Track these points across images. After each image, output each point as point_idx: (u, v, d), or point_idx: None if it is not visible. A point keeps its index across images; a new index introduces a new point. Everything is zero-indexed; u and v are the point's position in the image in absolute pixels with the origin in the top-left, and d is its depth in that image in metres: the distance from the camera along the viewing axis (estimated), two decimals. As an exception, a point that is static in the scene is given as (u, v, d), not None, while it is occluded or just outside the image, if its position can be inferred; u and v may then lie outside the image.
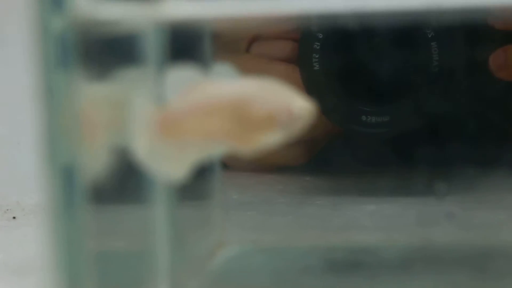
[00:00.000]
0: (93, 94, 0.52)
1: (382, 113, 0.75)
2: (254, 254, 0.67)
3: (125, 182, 0.56)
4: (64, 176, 0.46)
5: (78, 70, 0.47)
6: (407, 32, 0.73)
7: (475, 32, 0.73)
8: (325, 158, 0.84)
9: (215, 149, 0.55)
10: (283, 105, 0.54)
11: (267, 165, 0.89)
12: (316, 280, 0.63)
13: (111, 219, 0.53)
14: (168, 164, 0.54)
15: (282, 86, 0.56)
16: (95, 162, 0.52)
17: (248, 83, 0.55)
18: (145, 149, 0.53)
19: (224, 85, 0.54)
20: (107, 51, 0.53)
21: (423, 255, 0.63)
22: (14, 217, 0.97)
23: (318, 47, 0.76)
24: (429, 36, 0.71)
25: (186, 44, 0.66)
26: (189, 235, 0.65)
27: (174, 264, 0.62)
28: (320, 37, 0.76)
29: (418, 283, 0.62)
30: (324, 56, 0.76)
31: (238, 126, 0.53)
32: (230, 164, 0.88)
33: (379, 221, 0.69)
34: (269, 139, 0.53)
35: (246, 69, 0.58)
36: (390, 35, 0.74)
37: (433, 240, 0.64)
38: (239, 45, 0.86)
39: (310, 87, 0.77)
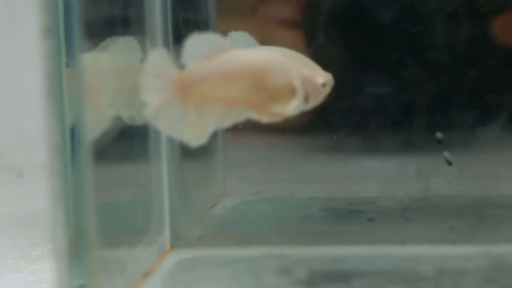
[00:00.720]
0: (98, 60, 0.52)
1: (385, 84, 0.76)
2: (256, 204, 0.68)
3: (132, 139, 0.57)
4: (70, 134, 0.47)
5: (84, 29, 0.47)
6: (410, 5, 0.73)
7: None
8: (326, 118, 0.84)
9: (235, 115, 0.55)
10: (306, 76, 0.54)
11: (268, 124, 0.89)
12: (316, 226, 0.64)
13: (118, 173, 0.54)
14: (186, 129, 0.54)
15: (303, 57, 0.57)
16: (100, 121, 0.53)
17: (269, 53, 0.55)
18: (160, 111, 0.54)
19: (246, 53, 0.54)
20: (111, 7, 0.53)
21: (422, 205, 0.64)
22: (20, 173, 0.98)
23: (324, 17, 0.76)
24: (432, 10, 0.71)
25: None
26: (194, 187, 0.66)
27: (178, 213, 0.63)
28: (327, 7, 0.76)
29: (414, 228, 0.63)
30: (329, 25, 0.76)
31: (258, 94, 0.54)
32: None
33: (378, 174, 0.70)
34: (290, 108, 0.54)
35: (252, 30, 0.58)
36: (395, 6, 0.74)
37: (432, 191, 0.65)
38: (246, 4, 0.86)
39: (314, 54, 0.77)
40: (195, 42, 0.53)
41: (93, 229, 0.47)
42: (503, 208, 0.64)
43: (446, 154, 0.63)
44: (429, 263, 0.57)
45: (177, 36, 0.62)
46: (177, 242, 0.62)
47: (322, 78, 0.55)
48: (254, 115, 0.55)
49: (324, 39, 0.75)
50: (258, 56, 0.55)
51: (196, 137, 0.54)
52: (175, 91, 0.53)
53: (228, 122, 0.55)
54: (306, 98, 0.55)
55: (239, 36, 0.57)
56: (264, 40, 0.58)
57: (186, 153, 0.63)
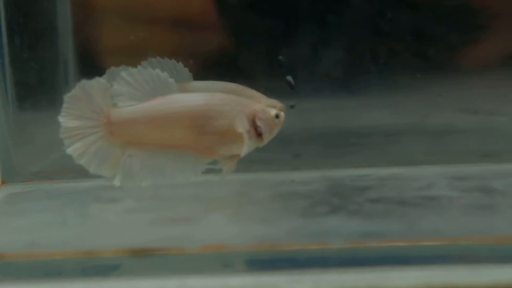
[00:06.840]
0: None
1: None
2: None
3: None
4: None
5: None
6: None
7: None
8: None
9: (177, 157, 0.53)
10: (255, 113, 0.53)
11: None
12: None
13: None
14: (112, 167, 0.52)
15: (246, 88, 0.56)
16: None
17: (212, 95, 0.53)
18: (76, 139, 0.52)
19: (187, 97, 0.53)
20: None
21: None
22: None
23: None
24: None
25: None
26: (34, 129, 0.63)
27: (12, 152, 0.61)
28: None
29: (257, 156, 0.61)
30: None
31: (203, 138, 0.52)
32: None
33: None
34: (242, 153, 0.53)
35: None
36: None
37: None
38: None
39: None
40: (126, 79, 0.52)
41: None
42: (348, 136, 0.62)
43: (289, 77, 0.61)
44: (266, 188, 0.56)
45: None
46: (9, 178, 0.60)
47: (274, 110, 0.54)
48: (197, 156, 0.53)
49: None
50: (199, 100, 0.53)
51: (124, 179, 0.52)
52: (101, 125, 0.52)
53: (169, 169, 0.53)
54: (259, 135, 0.53)
55: (173, 66, 0.55)
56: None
57: (30, 96, 0.61)
